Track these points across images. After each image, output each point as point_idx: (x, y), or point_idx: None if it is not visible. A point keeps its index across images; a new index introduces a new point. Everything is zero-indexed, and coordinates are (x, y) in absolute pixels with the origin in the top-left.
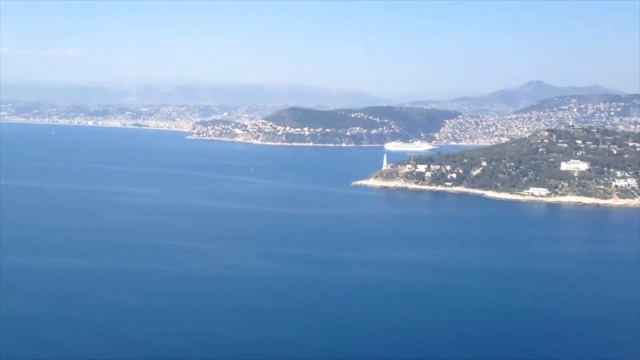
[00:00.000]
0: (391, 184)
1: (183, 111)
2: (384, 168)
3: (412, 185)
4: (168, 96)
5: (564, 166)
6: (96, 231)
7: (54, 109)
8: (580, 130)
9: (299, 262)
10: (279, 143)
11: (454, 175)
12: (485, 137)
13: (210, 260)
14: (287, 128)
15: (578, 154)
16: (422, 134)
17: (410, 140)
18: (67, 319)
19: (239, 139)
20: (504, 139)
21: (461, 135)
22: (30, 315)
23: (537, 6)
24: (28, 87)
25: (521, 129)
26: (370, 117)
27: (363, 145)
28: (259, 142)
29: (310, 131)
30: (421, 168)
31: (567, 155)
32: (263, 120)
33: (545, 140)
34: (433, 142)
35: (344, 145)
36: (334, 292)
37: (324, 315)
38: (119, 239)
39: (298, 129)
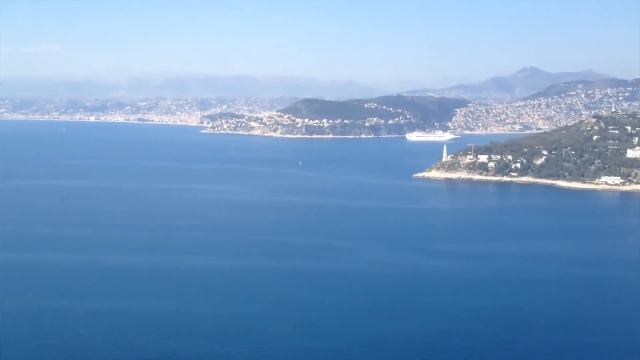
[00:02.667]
0: (454, 175)
1: (182, 104)
2: (444, 159)
3: (476, 176)
4: (159, 89)
5: (630, 153)
6: (216, 230)
7: (52, 105)
8: (626, 116)
9: (444, 256)
10: (298, 135)
11: (518, 165)
12: (497, 125)
13: (358, 257)
14: (306, 120)
15: (635, 140)
16: (435, 123)
17: (428, 130)
18: (290, 319)
19: (256, 132)
20: (517, 127)
21: (473, 124)
22: (256, 315)
23: None
24: (16, 84)
25: (532, 116)
26: (384, 107)
27: (382, 136)
28: (277, 134)
29: (329, 123)
30: (483, 158)
31: (623, 142)
32: (279, 113)
33: (595, 127)
34: (449, 131)
35: (363, 136)
36: (506, 286)
37: (530, 309)
38: (248, 237)
39: (317, 121)
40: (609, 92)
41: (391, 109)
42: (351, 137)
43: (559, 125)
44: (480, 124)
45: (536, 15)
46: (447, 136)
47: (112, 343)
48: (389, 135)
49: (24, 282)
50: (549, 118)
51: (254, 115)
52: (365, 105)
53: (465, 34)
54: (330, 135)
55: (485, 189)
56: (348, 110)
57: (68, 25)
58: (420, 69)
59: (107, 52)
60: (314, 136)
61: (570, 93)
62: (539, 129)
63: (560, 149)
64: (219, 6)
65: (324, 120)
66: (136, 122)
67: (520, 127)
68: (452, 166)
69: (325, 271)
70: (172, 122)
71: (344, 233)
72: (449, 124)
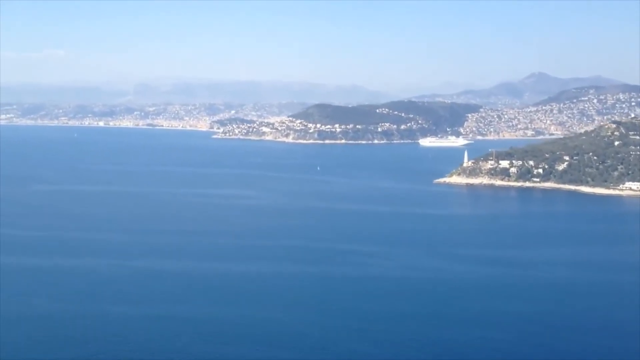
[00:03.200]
0: (476, 180)
1: (190, 110)
2: (465, 165)
3: (498, 182)
4: (166, 95)
5: None
6: (247, 235)
7: (60, 110)
8: None
9: (475, 262)
10: (311, 141)
11: (540, 171)
12: (509, 130)
13: (392, 262)
14: (318, 125)
15: None
16: (447, 129)
17: (440, 135)
18: (335, 324)
19: (268, 137)
20: (530, 132)
21: (485, 129)
22: (302, 320)
23: None
24: (22, 89)
25: (544, 121)
26: (395, 113)
27: (394, 141)
28: (289, 140)
29: (341, 128)
30: (504, 164)
31: None
32: (290, 118)
33: (616, 133)
34: (461, 136)
35: (376, 141)
36: (542, 291)
37: (574, 316)
38: (279, 243)
39: (329, 126)
40: (621, 98)
41: (403, 114)
42: (364, 142)
43: (571, 130)
44: (492, 130)
45: (544, 20)
46: (460, 142)
47: (170, 348)
48: (402, 141)
49: (69, 286)
50: (561, 123)
51: (265, 121)
52: (377, 111)
53: (471, 39)
54: (343, 141)
55: (508, 195)
56: (360, 116)
57: (72, 30)
58: (426, 74)
59: (112, 58)
60: (327, 141)
61: (582, 98)
62: (552, 134)
63: (582, 154)
64: (224, 12)
65: (336, 125)
66: (145, 127)
67: (533, 132)
68: (473, 172)
69: (363, 277)
70: (182, 127)
71: (375, 238)
72: (461, 130)
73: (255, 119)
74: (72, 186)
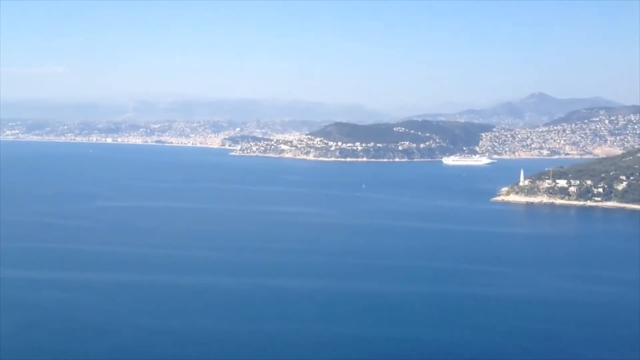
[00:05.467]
0: (535, 199)
1: (195, 127)
2: (521, 183)
3: (558, 201)
4: (166, 112)
5: None
6: (342, 254)
7: (65, 127)
8: None
9: (602, 282)
10: (332, 159)
11: (600, 190)
12: (524, 150)
13: (515, 282)
14: (339, 143)
15: None
16: (464, 148)
17: (458, 154)
18: (483, 345)
19: (287, 155)
20: (545, 152)
21: (500, 149)
22: (447, 340)
23: (537, 18)
24: (23, 105)
25: (558, 141)
26: (412, 131)
27: (415, 159)
28: (310, 157)
29: (362, 146)
30: (562, 183)
31: None
32: (309, 136)
33: None
34: (477, 154)
35: (397, 160)
36: None
37: None
38: (387, 262)
39: (350, 144)
40: (632, 119)
41: (419, 133)
42: (385, 160)
43: (586, 150)
44: (507, 149)
45: (543, 41)
46: (484, 160)
47: None
48: (422, 159)
49: (220, 304)
50: (574, 143)
51: (282, 138)
52: (394, 129)
53: (471, 59)
54: (364, 159)
55: (575, 214)
56: (378, 134)
57: (71, 47)
58: (425, 94)
59: (111, 74)
60: (348, 159)
61: (594, 119)
62: (567, 154)
63: (636, 173)
64: (223, 30)
65: (357, 143)
66: (154, 144)
67: (548, 152)
68: (531, 190)
69: (492, 297)
70: (191, 144)
71: (480, 257)
72: (477, 148)
73: (260, 136)
74: (131, 202)
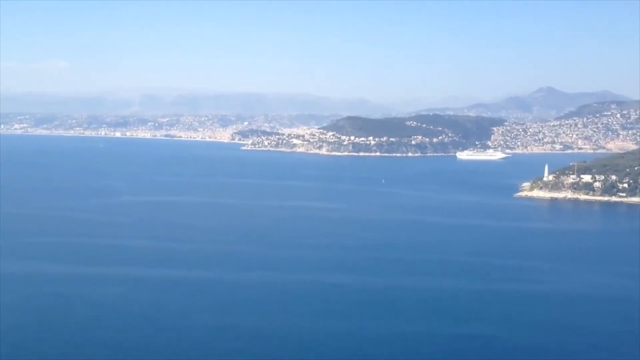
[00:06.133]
0: (559, 195)
1: (203, 121)
2: (545, 178)
3: (582, 197)
4: (172, 106)
5: None
6: (378, 248)
7: (74, 121)
8: None
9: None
10: (345, 153)
11: (626, 185)
12: (536, 144)
13: (560, 278)
14: (352, 138)
15: None
16: (476, 142)
17: (471, 148)
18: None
19: (299, 149)
20: (558, 146)
21: (513, 143)
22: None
23: (545, 12)
24: (27, 99)
25: (570, 135)
26: (424, 126)
27: (428, 154)
28: (323, 152)
29: (375, 141)
30: (586, 178)
31: None
32: (321, 130)
33: None
34: (489, 149)
35: (410, 154)
36: None
37: None
38: (425, 256)
39: (363, 139)
40: None
41: (431, 127)
42: (398, 155)
43: (599, 145)
44: (519, 143)
45: (550, 35)
46: (498, 155)
47: None
48: (435, 154)
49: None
50: (587, 138)
51: (293, 132)
52: (406, 123)
53: (476, 53)
54: (378, 153)
55: (603, 210)
56: (391, 128)
57: (75, 41)
58: (431, 88)
59: (115, 68)
60: (361, 154)
61: (605, 113)
62: (580, 148)
63: None
64: (228, 24)
65: (370, 138)
66: (163, 138)
67: (561, 146)
68: (555, 186)
69: (540, 293)
70: (201, 138)
71: (522, 253)
72: (489, 143)
73: (268, 130)
74: (155, 197)
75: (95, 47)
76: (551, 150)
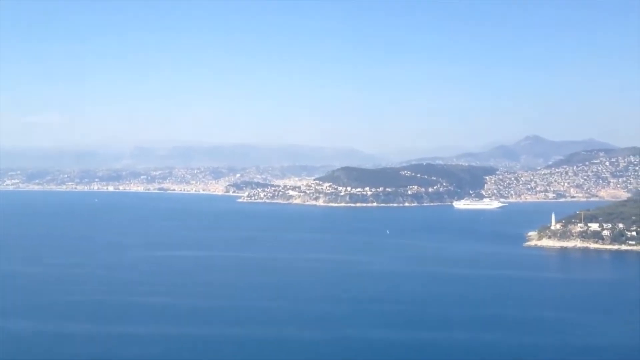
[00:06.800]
0: (569, 244)
1: (196, 173)
2: (553, 227)
3: (592, 245)
4: (164, 159)
5: None
6: (422, 303)
7: (65, 175)
8: None
9: None
10: (342, 204)
11: (634, 233)
12: (529, 192)
13: (601, 330)
14: (349, 188)
15: None
16: (470, 191)
17: (468, 197)
18: None
19: (296, 201)
20: (550, 195)
21: (506, 192)
22: None
23: (528, 62)
24: (21, 153)
25: (562, 184)
26: (418, 175)
27: (425, 203)
28: (320, 203)
29: (372, 191)
30: (594, 226)
31: None
32: (317, 181)
33: None
34: (484, 198)
35: (406, 204)
36: None
37: None
38: (474, 312)
39: (359, 189)
40: (632, 160)
41: (426, 177)
42: (395, 205)
43: (591, 193)
44: (512, 192)
45: (539, 85)
46: (494, 204)
47: None
48: (432, 203)
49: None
50: (578, 186)
51: (289, 184)
52: (401, 173)
53: (464, 104)
54: (375, 204)
55: (615, 258)
56: (386, 179)
57: (67, 94)
58: (420, 137)
59: (108, 121)
60: (358, 204)
61: (594, 161)
62: (573, 197)
63: None
64: (218, 77)
65: (367, 188)
66: (157, 191)
67: (554, 195)
68: (564, 234)
69: (583, 346)
70: (195, 191)
71: (545, 304)
72: (483, 192)
73: (260, 181)
74: (167, 252)
75: (88, 99)
76: (544, 198)
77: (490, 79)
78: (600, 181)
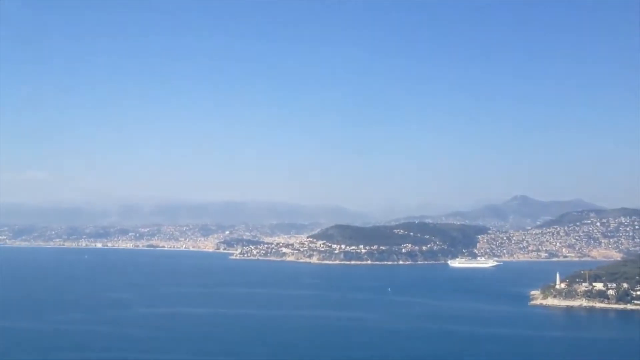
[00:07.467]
0: (575, 303)
1: (184, 230)
2: (557, 286)
3: (598, 305)
4: (151, 216)
5: None
6: None
7: (53, 232)
8: None
9: None
10: (337, 262)
11: (639, 293)
12: (521, 252)
13: None
14: (343, 246)
15: None
16: (463, 250)
17: (461, 257)
18: None
19: (289, 258)
20: (543, 254)
21: (499, 251)
22: None
23: (516, 122)
24: (6, 211)
25: (554, 244)
26: (411, 234)
27: (419, 262)
28: (313, 260)
29: (366, 249)
30: (598, 286)
31: None
32: (311, 239)
33: None
34: (477, 257)
35: (401, 262)
36: None
37: None
38: None
39: (354, 247)
40: (623, 221)
41: (419, 235)
42: (389, 263)
43: (583, 252)
44: (504, 251)
45: (526, 146)
46: (489, 263)
47: None
48: (425, 262)
49: None
50: (570, 246)
51: (281, 241)
52: (394, 231)
53: (450, 162)
54: (369, 262)
55: (622, 318)
56: (379, 237)
57: (53, 152)
58: (407, 196)
59: (93, 179)
60: (352, 262)
61: (585, 222)
62: (565, 256)
63: None
64: (201, 134)
65: (360, 246)
66: (146, 248)
67: (546, 254)
68: (569, 294)
69: None
70: (184, 247)
71: None
72: (475, 251)
73: (249, 239)
74: (168, 308)
75: (73, 157)
76: (537, 258)
77: (475, 141)
78: (592, 241)
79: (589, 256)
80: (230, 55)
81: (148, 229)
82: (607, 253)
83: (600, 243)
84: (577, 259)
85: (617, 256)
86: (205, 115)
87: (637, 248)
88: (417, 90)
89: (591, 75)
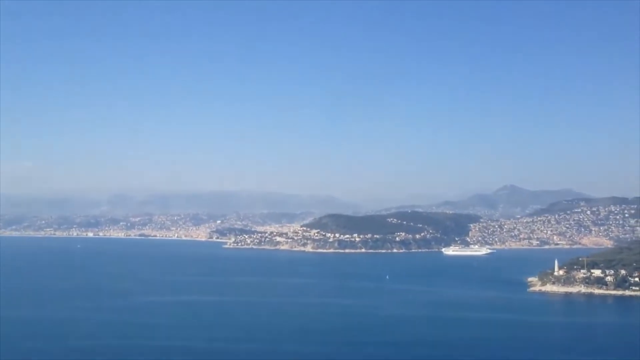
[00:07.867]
0: (573, 289)
1: (176, 220)
2: (556, 273)
3: (596, 291)
4: (142, 205)
5: None
6: (446, 347)
7: (43, 222)
8: None
9: None
10: (331, 250)
11: (637, 279)
12: (513, 240)
13: None
14: (337, 235)
15: None
16: (456, 238)
17: (453, 244)
18: None
19: (283, 247)
20: (534, 242)
21: (490, 239)
22: None
23: (505, 112)
24: None
25: (545, 232)
26: (404, 222)
27: (413, 250)
28: (308, 249)
29: (360, 238)
30: (597, 272)
31: None
32: (305, 228)
33: None
34: (470, 245)
35: (395, 250)
36: None
37: None
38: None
39: (348, 236)
40: (613, 210)
41: (412, 224)
42: (383, 251)
43: (574, 240)
44: (496, 239)
45: (516, 135)
46: (483, 251)
47: None
48: (419, 250)
49: None
50: (561, 234)
51: (274, 230)
52: (388, 220)
53: (441, 152)
54: (363, 250)
55: (622, 303)
56: (373, 226)
57: (39, 142)
58: (398, 186)
59: (82, 169)
60: (347, 250)
61: (576, 210)
62: (557, 244)
63: None
64: (195, 124)
65: (355, 235)
66: (137, 237)
67: (538, 242)
68: (567, 280)
69: None
70: (177, 237)
71: (575, 349)
72: (468, 239)
73: (240, 228)
74: (170, 297)
75: (61, 147)
76: (528, 245)
77: (464, 131)
78: (583, 229)
79: (579, 244)
80: (220, 45)
81: (139, 219)
82: (597, 240)
83: (590, 231)
84: (568, 246)
85: (607, 243)
86: (196, 105)
87: (627, 235)
88: (406, 81)
89: (578, 67)
